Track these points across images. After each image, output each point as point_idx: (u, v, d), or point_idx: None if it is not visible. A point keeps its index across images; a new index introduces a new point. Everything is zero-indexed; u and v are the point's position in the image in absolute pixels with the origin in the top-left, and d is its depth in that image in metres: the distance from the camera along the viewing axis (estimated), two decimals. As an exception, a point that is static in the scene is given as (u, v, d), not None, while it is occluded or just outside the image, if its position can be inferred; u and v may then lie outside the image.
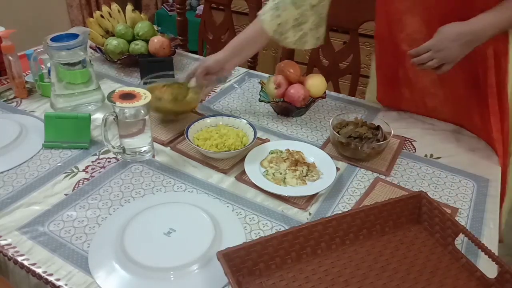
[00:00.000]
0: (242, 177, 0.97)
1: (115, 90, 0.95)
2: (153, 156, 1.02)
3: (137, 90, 0.96)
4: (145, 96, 0.94)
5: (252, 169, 0.97)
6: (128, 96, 0.93)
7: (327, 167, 0.98)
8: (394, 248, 0.79)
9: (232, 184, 0.95)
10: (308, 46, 1.17)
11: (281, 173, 0.96)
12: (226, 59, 1.12)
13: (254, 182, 0.93)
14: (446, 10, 0.97)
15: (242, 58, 1.16)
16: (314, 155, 1.03)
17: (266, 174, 0.96)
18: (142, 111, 0.95)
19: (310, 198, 0.91)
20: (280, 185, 0.93)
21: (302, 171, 0.96)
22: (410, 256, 0.77)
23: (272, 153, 1.03)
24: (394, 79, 1.19)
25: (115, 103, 0.91)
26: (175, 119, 1.15)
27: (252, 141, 1.02)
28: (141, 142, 0.99)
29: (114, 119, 0.93)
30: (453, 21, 0.95)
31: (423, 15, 1.00)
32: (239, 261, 0.70)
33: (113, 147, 0.98)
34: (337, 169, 0.99)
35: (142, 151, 1.00)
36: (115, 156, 1.01)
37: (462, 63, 0.99)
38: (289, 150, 1.03)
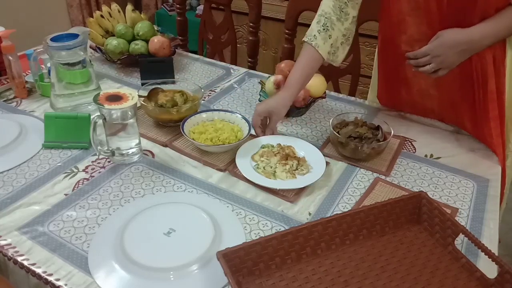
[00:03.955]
0: (233, 170, 0.98)
1: (99, 93, 0.94)
2: (154, 156, 1.02)
3: (123, 91, 0.95)
4: (131, 97, 0.93)
5: (243, 163, 0.98)
6: (114, 98, 0.92)
7: (317, 162, 0.99)
8: (394, 248, 0.79)
9: (232, 184, 0.95)
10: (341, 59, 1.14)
11: (271, 167, 0.97)
12: (292, 99, 1.07)
13: (245, 175, 0.94)
14: (447, 15, 0.97)
15: (302, 89, 1.12)
16: (305, 150, 1.04)
17: (257, 167, 0.97)
18: (129, 113, 0.94)
19: (299, 191, 0.92)
20: (270, 178, 0.94)
21: (292, 165, 0.97)
22: (410, 256, 0.77)
23: (263, 147, 1.04)
24: (393, 79, 1.20)
25: (103, 106, 0.90)
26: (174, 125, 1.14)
27: (246, 135, 1.03)
28: (129, 144, 0.98)
29: (102, 121, 0.92)
30: (454, 25, 0.96)
31: (426, 17, 1.01)
32: (239, 261, 0.70)
33: (102, 151, 0.96)
34: (327, 163, 1.00)
35: (130, 153, 0.99)
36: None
37: (461, 68, 1.00)
38: (280, 144, 1.04)
